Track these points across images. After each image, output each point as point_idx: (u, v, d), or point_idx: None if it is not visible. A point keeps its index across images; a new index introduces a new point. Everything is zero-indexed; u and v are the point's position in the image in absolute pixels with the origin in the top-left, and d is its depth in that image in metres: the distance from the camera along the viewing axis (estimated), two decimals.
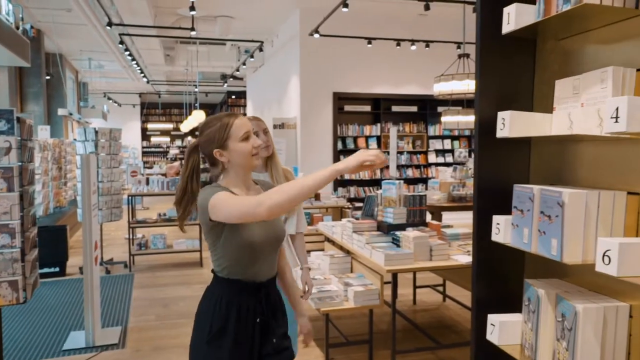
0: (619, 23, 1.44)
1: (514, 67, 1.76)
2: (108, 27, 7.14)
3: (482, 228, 1.78)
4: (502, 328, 1.66)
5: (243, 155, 1.68)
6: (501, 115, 1.60)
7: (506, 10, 1.59)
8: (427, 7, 6.12)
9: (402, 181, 3.91)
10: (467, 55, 6.17)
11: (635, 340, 1.40)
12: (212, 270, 1.75)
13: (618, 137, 1.34)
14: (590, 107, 1.41)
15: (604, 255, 1.22)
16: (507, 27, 1.60)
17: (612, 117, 1.18)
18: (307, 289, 2.60)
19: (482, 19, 1.71)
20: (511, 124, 1.55)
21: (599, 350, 1.37)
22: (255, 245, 1.68)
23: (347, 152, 8.99)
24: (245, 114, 15.15)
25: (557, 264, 1.43)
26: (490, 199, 1.78)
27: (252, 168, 1.73)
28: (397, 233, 3.53)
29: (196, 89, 14.33)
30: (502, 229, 1.65)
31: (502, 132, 1.59)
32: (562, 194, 1.37)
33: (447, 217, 6.33)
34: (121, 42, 8.22)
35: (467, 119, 6.54)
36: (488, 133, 1.70)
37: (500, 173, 1.80)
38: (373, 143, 9.11)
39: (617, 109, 1.17)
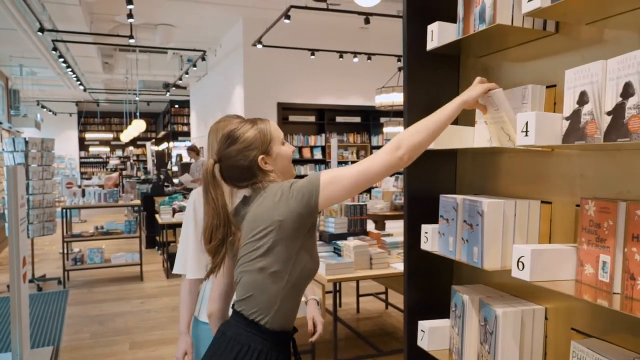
0: (530, 43, 1.54)
1: (440, 81, 1.84)
2: (40, 33, 6.82)
3: (412, 237, 1.83)
4: (431, 334, 1.72)
5: (287, 160, 1.49)
6: None
7: (430, 28, 1.67)
8: (367, 21, 6.26)
9: None
10: None
11: (551, 341, 1.48)
12: (247, 319, 1.38)
13: (531, 150, 1.43)
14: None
15: (518, 262, 1.29)
16: (431, 44, 1.67)
17: (522, 131, 1.26)
18: (317, 326, 2.08)
19: (408, 35, 1.78)
20: None
21: (518, 352, 1.44)
22: (315, 269, 1.45)
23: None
24: (189, 124, 14.66)
25: (481, 270, 1.50)
26: (420, 208, 1.84)
27: (292, 176, 1.52)
28: (339, 242, 3.57)
29: (137, 98, 13.93)
30: (430, 238, 1.71)
31: None
32: (482, 203, 1.44)
33: (390, 225, 6.46)
34: (55, 49, 7.87)
35: None
36: None
37: (429, 183, 1.87)
38: (318, 153, 9.18)
39: (526, 123, 1.25)
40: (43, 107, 16.61)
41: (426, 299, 1.88)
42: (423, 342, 1.73)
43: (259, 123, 1.47)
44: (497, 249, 1.44)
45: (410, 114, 1.84)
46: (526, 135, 1.25)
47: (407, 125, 1.86)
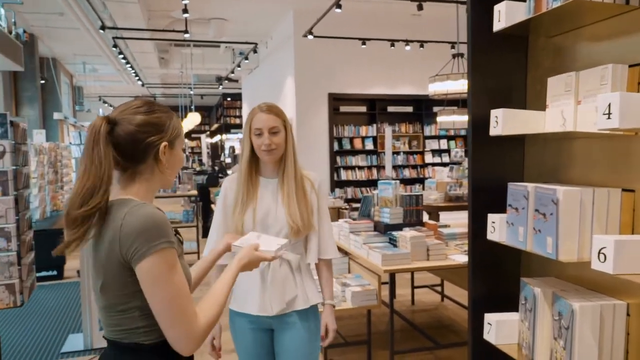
0: (610, 19, 1.43)
1: (507, 65, 1.75)
2: (101, 31, 7.12)
3: (477, 227, 1.77)
4: (499, 327, 1.65)
5: (179, 164, 1.31)
6: (494, 113, 1.59)
7: (497, 8, 1.59)
8: (420, 7, 6.11)
9: (398, 181, 3.91)
10: (462, 55, 6.18)
11: (633, 339, 1.39)
12: (129, 345, 1.19)
13: (611, 134, 1.33)
14: (588, 105, 1.40)
15: (599, 253, 1.21)
16: (498, 25, 1.59)
17: (604, 114, 1.18)
18: (329, 333, 2.08)
19: (473, 17, 1.70)
20: (504, 121, 1.54)
21: (597, 349, 1.36)
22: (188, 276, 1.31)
23: (343, 153, 8.99)
24: (241, 116, 14.90)
25: (553, 262, 1.42)
26: (485, 197, 1.77)
27: (168, 186, 1.34)
28: (394, 233, 3.52)
29: (191, 92, 14.31)
30: (497, 228, 1.64)
31: (495, 130, 1.58)
32: (557, 191, 1.37)
33: (445, 217, 6.32)
34: (115, 46, 8.20)
35: (462, 119, 6.54)
36: (482, 131, 1.69)
37: (495, 171, 1.79)
38: (369, 143, 9.11)
39: (609, 105, 1.16)
40: (104, 102, 17.41)
41: (492, 291, 1.81)
42: (490, 335, 1.67)
43: (175, 116, 1.32)
44: (573, 239, 1.36)
45: (474, 100, 1.77)
46: (609, 117, 1.17)
47: (469, 112, 1.80)
